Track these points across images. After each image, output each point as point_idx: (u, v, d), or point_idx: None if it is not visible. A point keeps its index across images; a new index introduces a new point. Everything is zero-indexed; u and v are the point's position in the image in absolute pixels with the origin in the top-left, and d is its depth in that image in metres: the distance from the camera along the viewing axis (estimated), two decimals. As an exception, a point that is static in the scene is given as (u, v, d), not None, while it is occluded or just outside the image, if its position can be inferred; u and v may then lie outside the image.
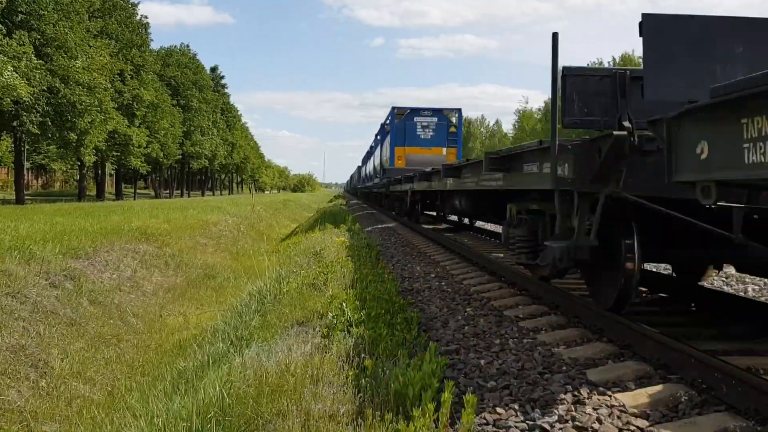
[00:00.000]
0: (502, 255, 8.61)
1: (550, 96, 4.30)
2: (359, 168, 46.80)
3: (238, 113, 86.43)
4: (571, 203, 4.30)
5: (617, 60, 72.70)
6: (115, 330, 9.15)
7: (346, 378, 3.43)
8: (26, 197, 33.21)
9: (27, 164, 43.85)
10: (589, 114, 4.28)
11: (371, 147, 33.04)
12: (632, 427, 2.74)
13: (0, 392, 6.17)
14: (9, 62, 22.95)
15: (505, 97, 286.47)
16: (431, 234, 12.67)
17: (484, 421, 2.88)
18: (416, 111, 20.47)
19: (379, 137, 26.74)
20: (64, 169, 54.02)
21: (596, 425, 2.75)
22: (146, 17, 45.44)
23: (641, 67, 3.53)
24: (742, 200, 2.98)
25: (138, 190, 59.76)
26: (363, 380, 3.30)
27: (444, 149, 20.05)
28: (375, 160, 28.28)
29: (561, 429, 2.75)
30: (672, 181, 2.75)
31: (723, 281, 6.56)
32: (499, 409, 3.02)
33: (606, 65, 73.03)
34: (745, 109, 2.21)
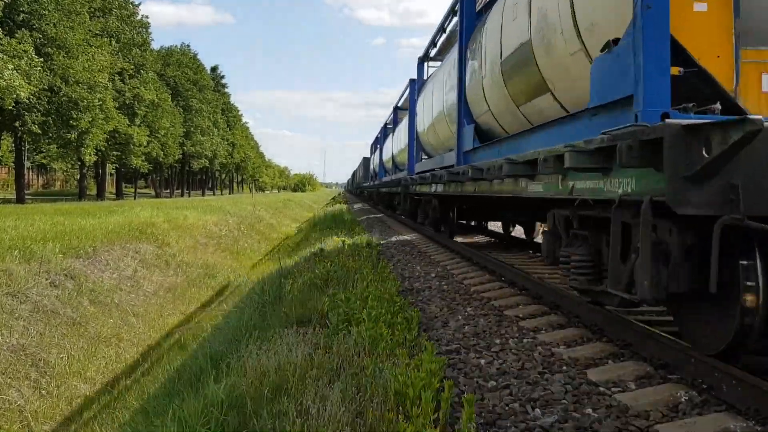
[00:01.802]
0: None
1: None
2: (366, 160, 36.41)
3: (239, 113, 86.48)
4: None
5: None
6: (116, 329, 9.16)
7: (347, 378, 3.43)
8: (27, 196, 33.24)
9: (28, 164, 43.96)
10: None
11: (392, 115, 21.40)
12: (632, 427, 2.73)
13: (1, 391, 6.17)
14: (10, 61, 22.95)
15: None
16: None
17: (484, 421, 2.88)
18: None
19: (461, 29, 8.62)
20: (65, 169, 54.03)
21: (596, 425, 2.74)
22: (147, 17, 45.54)
23: None
24: None
25: (138, 190, 59.75)
26: (363, 380, 3.30)
27: None
28: (428, 112, 11.93)
29: (561, 429, 2.75)
30: None
31: None
32: (498, 409, 3.02)
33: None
34: None
